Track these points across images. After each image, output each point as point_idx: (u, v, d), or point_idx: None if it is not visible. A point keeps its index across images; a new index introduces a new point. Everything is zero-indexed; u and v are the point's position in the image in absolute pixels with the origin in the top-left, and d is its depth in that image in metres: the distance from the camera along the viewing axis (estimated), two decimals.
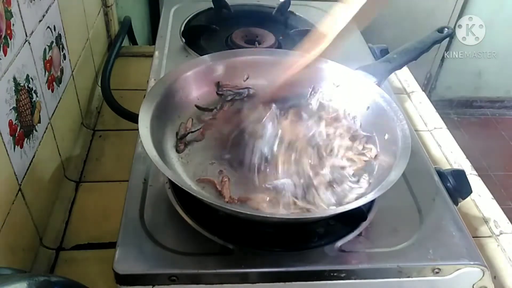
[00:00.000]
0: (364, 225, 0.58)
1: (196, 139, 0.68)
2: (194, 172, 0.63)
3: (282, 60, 0.74)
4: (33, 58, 0.65)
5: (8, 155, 0.56)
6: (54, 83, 0.73)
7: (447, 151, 0.88)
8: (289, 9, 1.06)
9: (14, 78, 0.58)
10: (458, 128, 2.48)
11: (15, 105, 0.58)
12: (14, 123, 0.58)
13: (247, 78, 0.77)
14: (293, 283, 0.54)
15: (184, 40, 0.93)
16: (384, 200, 0.60)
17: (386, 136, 0.66)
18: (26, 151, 0.62)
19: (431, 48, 0.81)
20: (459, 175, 0.68)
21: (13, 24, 0.57)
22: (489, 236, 0.73)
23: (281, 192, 0.59)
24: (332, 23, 0.64)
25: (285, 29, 1.02)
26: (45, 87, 0.69)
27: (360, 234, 0.57)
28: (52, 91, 0.72)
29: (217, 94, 0.75)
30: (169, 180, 0.59)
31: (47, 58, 0.70)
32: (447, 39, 0.93)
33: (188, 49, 0.90)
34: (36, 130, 0.65)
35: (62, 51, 0.77)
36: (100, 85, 0.98)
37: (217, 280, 0.53)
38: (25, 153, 0.61)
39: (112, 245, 0.54)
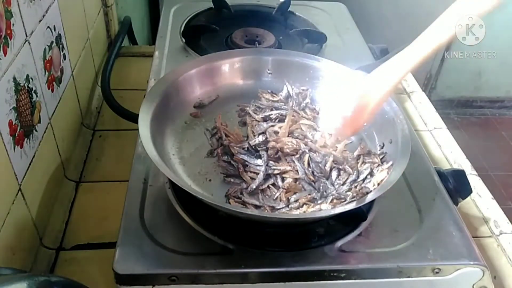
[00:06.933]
0: (364, 225, 0.58)
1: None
2: (194, 173, 0.63)
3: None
4: (33, 58, 0.64)
5: (8, 155, 0.56)
6: (54, 83, 0.73)
7: (447, 151, 0.88)
8: (289, 9, 1.06)
9: (14, 78, 0.58)
10: (458, 128, 2.48)
11: (15, 105, 0.58)
12: (14, 123, 0.58)
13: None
14: (293, 283, 0.54)
15: (184, 40, 0.93)
16: (384, 200, 0.60)
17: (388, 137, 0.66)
18: (26, 151, 0.62)
19: None
20: (459, 175, 0.68)
21: (13, 24, 0.57)
22: (489, 236, 0.73)
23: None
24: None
25: (285, 29, 1.02)
26: (45, 87, 0.69)
27: (360, 234, 0.57)
28: (52, 91, 0.72)
29: None
30: (169, 180, 0.59)
31: (47, 58, 0.70)
32: None
33: (188, 49, 0.90)
34: (36, 130, 0.65)
35: (62, 51, 0.77)
36: (100, 85, 0.98)
37: (217, 280, 0.53)
38: (25, 153, 0.61)
39: (112, 245, 0.54)
